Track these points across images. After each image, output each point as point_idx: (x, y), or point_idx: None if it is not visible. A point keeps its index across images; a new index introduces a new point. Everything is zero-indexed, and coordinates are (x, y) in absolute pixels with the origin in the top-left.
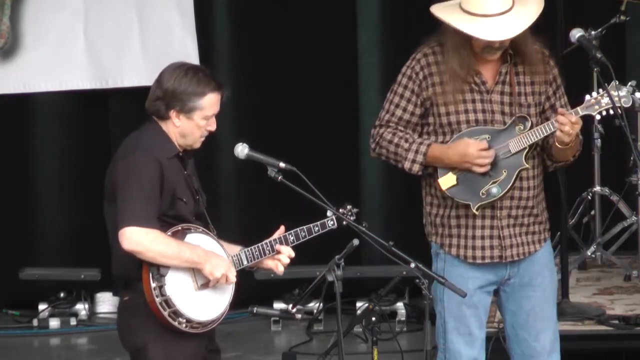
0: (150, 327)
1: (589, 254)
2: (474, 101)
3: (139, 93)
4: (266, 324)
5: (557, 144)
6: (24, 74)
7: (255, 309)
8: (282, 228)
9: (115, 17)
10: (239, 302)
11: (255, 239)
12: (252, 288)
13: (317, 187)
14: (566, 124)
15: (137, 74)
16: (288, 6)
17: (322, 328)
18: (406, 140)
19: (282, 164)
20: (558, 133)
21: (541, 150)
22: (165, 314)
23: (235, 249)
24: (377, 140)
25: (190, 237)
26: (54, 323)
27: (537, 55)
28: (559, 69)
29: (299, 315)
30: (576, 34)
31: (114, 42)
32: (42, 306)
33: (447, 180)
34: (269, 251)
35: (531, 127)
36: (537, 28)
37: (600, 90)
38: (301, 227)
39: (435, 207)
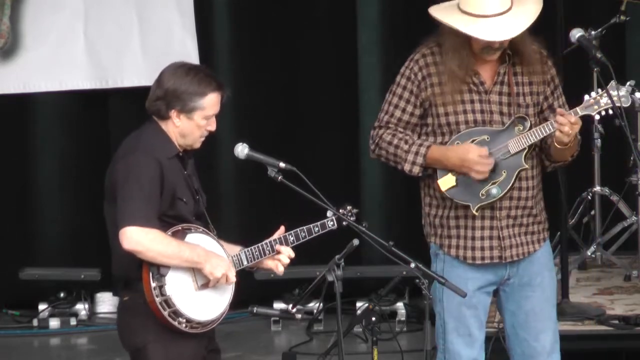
0: (150, 327)
1: (589, 254)
2: (472, 101)
3: (139, 93)
4: (266, 324)
5: (556, 144)
6: (24, 74)
7: (255, 309)
8: (282, 228)
9: (115, 17)
10: (239, 302)
11: (255, 239)
12: (252, 288)
13: (317, 187)
14: (565, 124)
15: (137, 74)
16: (288, 6)
17: (322, 328)
18: (406, 142)
19: (282, 164)
20: (557, 133)
21: (539, 150)
22: (165, 313)
23: (235, 249)
24: (376, 141)
25: (191, 237)
26: (54, 323)
27: (535, 55)
28: (557, 69)
29: (299, 315)
30: (576, 34)
31: (114, 42)
32: (42, 306)
33: (446, 182)
34: (269, 251)
35: (530, 128)
36: (537, 28)
37: (599, 90)
38: (301, 228)
39: (434, 208)
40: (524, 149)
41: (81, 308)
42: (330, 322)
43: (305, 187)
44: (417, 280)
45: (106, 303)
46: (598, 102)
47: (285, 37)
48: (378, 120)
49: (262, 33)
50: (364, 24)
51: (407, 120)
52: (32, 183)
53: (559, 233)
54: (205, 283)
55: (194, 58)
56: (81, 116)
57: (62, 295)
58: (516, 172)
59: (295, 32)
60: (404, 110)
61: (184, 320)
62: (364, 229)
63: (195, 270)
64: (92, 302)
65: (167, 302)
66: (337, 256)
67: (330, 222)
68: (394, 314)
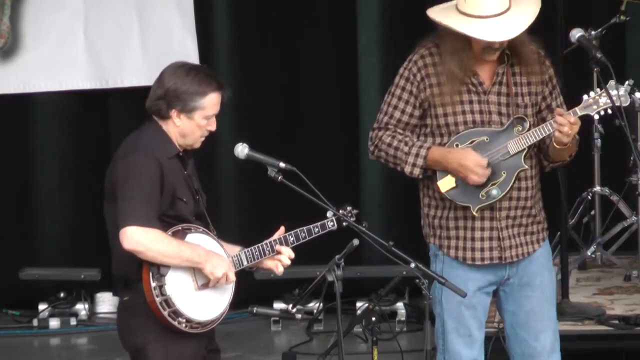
0: (150, 327)
1: (589, 254)
2: (471, 102)
3: (139, 93)
4: (266, 324)
5: (555, 144)
6: (24, 74)
7: (255, 309)
8: (282, 229)
9: (115, 17)
10: (239, 302)
11: (255, 239)
12: (252, 288)
13: (317, 187)
14: (565, 124)
15: (137, 74)
16: (288, 6)
17: (322, 328)
18: (406, 144)
19: (282, 164)
20: (557, 134)
21: (538, 150)
22: (165, 313)
23: (235, 249)
24: (376, 143)
25: (191, 237)
26: (54, 323)
27: (533, 55)
28: (555, 69)
29: (299, 315)
30: (576, 34)
31: (114, 42)
32: (42, 306)
33: (446, 183)
34: (269, 252)
35: (529, 128)
36: (537, 28)
37: (598, 89)
38: (301, 228)
39: (433, 209)
40: (524, 149)
41: (81, 308)
42: (330, 322)
43: (305, 187)
44: (417, 280)
45: (106, 303)
46: (597, 101)
47: (285, 37)
48: (377, 121)
49: (262, 33)
50: (364, 24)
51: (407, 121)
52: (32, 183)
53: (559, 233)
54: (205, 283)
55: (194, 58)
56: (81, 116)
57: (62, 295)
58: (516, 173)
59: (295, 32)
60: (403, 111)
61: (184, 320)
62: (364, 229)
63: (195, 270)
64: (92, 302)
65: (167, 302)
66: (337, 256)
67: (330, 223)
68: (394, 314)
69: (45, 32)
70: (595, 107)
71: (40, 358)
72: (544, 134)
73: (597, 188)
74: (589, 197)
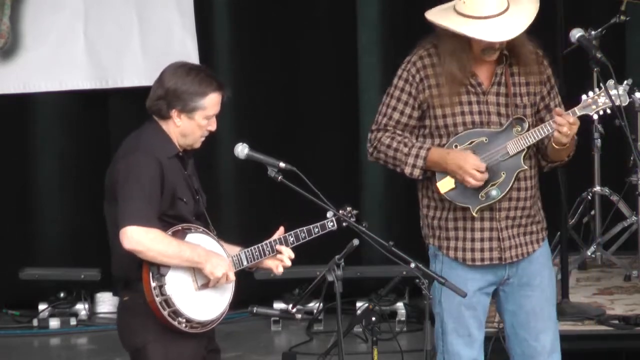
0: (150, 327)
1: (589, 254)
2: (470, 103)
3: (139, 93)
4: (266, 324)
5: (553, 144)
6: (24, 74)
7: (255, 309)
8: (282, 229)
9: (115, 17)
10: (239, 302)
11: (255, 239)
12: (252, 288)
13: (317, 187)
14: (564, 125)
15: (137, 74)
16: (288, 6)
17: (322, 328)
18: (405, 145)
19: (282, 164)
20: (556, 134)
21: (536, 150)
22: (165, 313)
23: (234, 249)
24: (375, 144)
25: (191, 237)
26: (54, 323)
27: (531, 55)
28: (553, 69)
29: (299, 315)
30: (576, 34)
31: (114, 42)
32: (42, 306)
33: (445, 184)
34: (269, 252)
35: (528, 129)
36: (537, 28)
37: (597, 89)
38: (301, 228)
39: (432, 210)
40: (523, 150)
41: (81, 308)
42: (330, 322)
43: (305, 187)
44: (417, 280)
45: (106, 303)
46: (596, 101)
47: (285, 37)
48: (376, 122)
49: (262, 33)
50: (364, 24)
51: (406, 122)
52: (32, 183)
53: (559, 233)
54: (205, 283)
55: (194, 58)
56: (81, 116)
57: (62, 295)
58: (515, 174)
59: (295, 32)
60: (402, 113)
61: (184, 320)
62: (364, 229)
63: (195, 270)
64: (92, 302)
65: (167, 302)
66: (337, 256)
67: (330, 223)
68: (394, 314)
69: (45, 32)
70: (594, 107)
71: (40, 358)
72: (543, 135)
73: (597, 188)
74: (589, 197)
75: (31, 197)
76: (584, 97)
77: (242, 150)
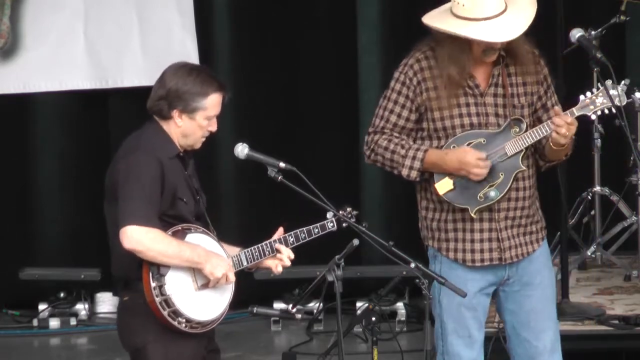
0: (150, 327)
1: (589, 254)
2: (468, 105)
3: (139, 93)
4: (266, 324)
5: (551, 144)
6: (24, 74)
7: (255, 309)
8: (281, 229)
9: (115, 17)
10: (239, 302)
11: (255, 239)
12: (252, 288)
13: (317, 187)
14: (562, 125)
15: (137, 74)
16: (288, 6)
17: (322, 328)
18: (402, 147)
19: (282, 164)
20: (554, 135)
21: (534, 150)
22: (165, 313)
23: (234, 250)
24: (372, 147)
25: (191, 237)
26: (54, 323)
27: (528, 55)
28: (549, 69)
29: (299, 315)
30: (576, 34)
31: (114, 42)
32: (42, 306)
33: (444, 185)
34: (269, 252)
35: (526, 129)
36: (536, 28)
37: (594, 90)
38: (301, 229)
39: (431, 212)
40: (521, 150)
41: (81, 308)
42: (330, 322)
43: (305, 187)
44: (417, 280)
45: (106, 303)
46: (594, 102)
47: (285, 37)
48: (372, 125)
49: (262, 33)
50: (364, 24)
51: (403, 125)
52: (32, 183)
53: (559, 233)
54: (205, 283)
55: (194, 58)
56: (81, 116)
57: (62, 295)
58: (514, 174)
59: (295, 32)
60: (399, 116)
61: (184, 320)
62: (364, 229)
63: (195, 270)
64: (92, 302)
65: (167, 302)
66: (337, 256)
67: (330, 224)
68: (394, 314)
69: (45, 32)
70: (592, 107)
71: (40, 358)
72: (542, 135)
73: (597, 188)
74: (589, 197)
75: (31, 197)
76: (581, 97)
77: (242, 150)
